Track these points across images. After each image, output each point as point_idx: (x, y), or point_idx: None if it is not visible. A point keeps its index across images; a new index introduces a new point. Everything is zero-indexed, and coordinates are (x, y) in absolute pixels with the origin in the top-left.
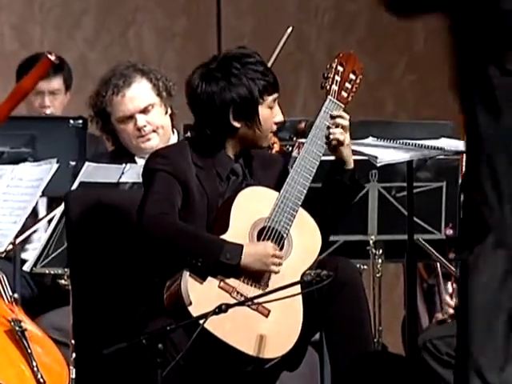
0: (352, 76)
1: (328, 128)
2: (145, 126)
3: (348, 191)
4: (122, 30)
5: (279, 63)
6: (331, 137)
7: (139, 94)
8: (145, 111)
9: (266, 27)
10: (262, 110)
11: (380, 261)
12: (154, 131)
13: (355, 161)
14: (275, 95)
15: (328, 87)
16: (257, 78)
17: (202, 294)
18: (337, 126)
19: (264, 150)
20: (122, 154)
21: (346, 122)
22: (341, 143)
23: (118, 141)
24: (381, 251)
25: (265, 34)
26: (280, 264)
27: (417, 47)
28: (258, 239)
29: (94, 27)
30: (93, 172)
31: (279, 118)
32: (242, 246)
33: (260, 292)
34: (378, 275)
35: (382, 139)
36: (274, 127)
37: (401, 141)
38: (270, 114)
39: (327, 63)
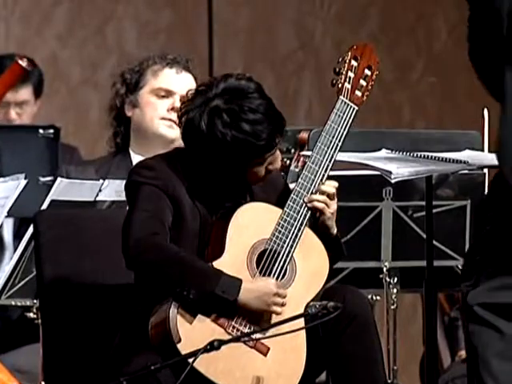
0: (367, 71)
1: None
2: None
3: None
4: (99, 25)
5: (280, 63)
6: (310, 204)
7: (190, 81)
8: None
9: (264, 21)
10: (253, 169)
11: (395, 290)
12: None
13: (365, 177)
14: (266, 157)
15: (340, 85)
16: (247, 148)
17: (192, 329)
18: (321, 193)
19: None
20: (119, 153)
21: (332, 190)
22: (323, 212)
23: (122, 133)
24: (396, 280)
25: (263, 29)
26: (283, 304)
27: (438, 44)
28: (258, 264)
29: (66, 22)
30: (66, 189)
31: (276, 166)
32: (240, 281)
33: (258, 327)
34: (392, 307)
35: (397, 151)
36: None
37: (419, 153)
38: (262, 169)
39: (334, 62)
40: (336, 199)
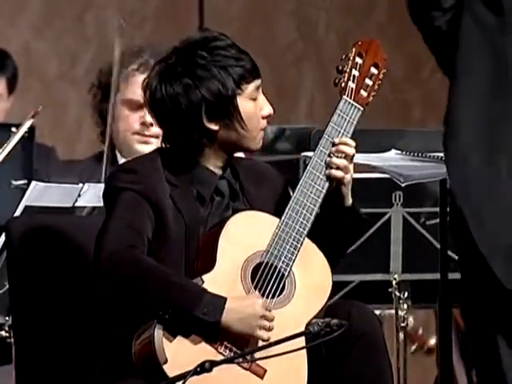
0: (374, 70)
1: (329, 155)
2: (152, 125)
3: (347, 229)
4: (78, 14)
5: (279, 55)
6: (329, 171)
7: None
8: None
9: (259, 9)
10: (243, 104)
11: (406, 306)
12: (156, 137)
13: (373, 180)
14: (257, 82)
15: (343, 84)
16: (229, 66)
17: (180, 349)
18: (340, 154)
19: (256, 161)
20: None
21: (351, 151)
22: (341, 181)
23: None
24: (406, 294)
25: (258, 18)
26: (271, 329)
27: None
28: (253, 279)
29: (41, 10)
30: (41, 193)
31: (267, 110)
32: (224, 300)
33: (253, 348)
34: (402, 324)
35: (408, 153)
36: (263, 123)
37: (431, 154)
38: (254, 106)
39: (339, 55)
40: (353, 162)
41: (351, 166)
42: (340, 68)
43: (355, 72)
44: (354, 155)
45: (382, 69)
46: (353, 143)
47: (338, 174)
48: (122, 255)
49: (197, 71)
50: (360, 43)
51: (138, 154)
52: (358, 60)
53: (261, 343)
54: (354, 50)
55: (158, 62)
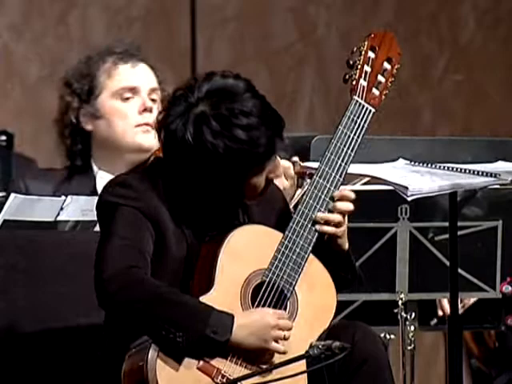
0: (387, 65)
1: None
2: (151, 111)
3: (340, 282)
4: (61, 14)
5: (277, 57)
6: (319, 227)
7: (150, 73)
8: (153, 94)
9: (256, 8)
10: (257, 179)
11: (412, 328)
12: (151, 126)
13: (377, 193)
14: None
15: (354, 82)
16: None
17: (175, 378)
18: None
19: None
20: (79, 170)
21: (350, 207)
22: (334, 235)
23: (80, 151)
24: (413, 315)
25: (255, 18)
26: (286, 338)
27: (464, 35)
28: (254, 299)
29: (21, 9)
30: (21, 207)
31: (277, 173)
32: (232, 317)
33: (252, 372)
34: (409, 347)
35: (416, 162)
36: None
37: (441, 165)
38: (262, 179)
39: (340, 56)
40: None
41: (345, 221)
42: (351, 62)
43: (367, 68)
44: (350, 212)
45: (396, 64)
46: (352, 195)
47: (329, 229)
48: (127, 277)
49: (212, 158)
50: (373, 36)
51: (138, 148)
52: (371, 54)
53: (277, 356)
54: (366, 43)
55: (181, 97)
